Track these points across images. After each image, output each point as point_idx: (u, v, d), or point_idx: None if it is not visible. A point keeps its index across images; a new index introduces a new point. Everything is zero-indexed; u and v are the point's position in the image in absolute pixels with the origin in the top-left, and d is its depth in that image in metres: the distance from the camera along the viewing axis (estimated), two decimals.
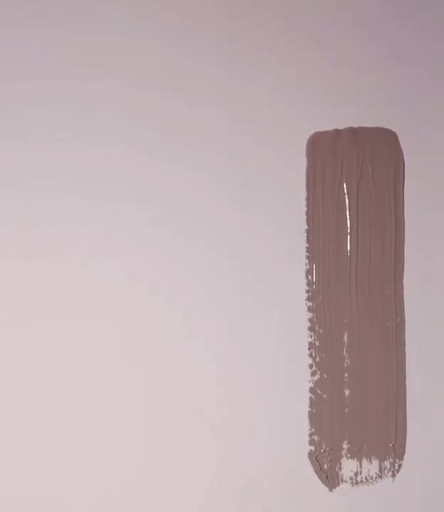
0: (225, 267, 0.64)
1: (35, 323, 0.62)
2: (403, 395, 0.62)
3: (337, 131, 0.65)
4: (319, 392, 0.62)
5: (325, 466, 0.61)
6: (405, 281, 0.63)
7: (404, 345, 0.62)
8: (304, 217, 0.64)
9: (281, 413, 0.62)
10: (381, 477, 0.61)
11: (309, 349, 0.62)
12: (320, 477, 0.61)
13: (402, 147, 0.65)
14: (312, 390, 0.62)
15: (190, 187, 0.64)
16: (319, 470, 0.61)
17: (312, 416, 0.61)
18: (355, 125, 0.65)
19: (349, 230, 0.64)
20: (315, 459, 0.61)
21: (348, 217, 0.64)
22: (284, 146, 0.65)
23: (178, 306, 0.63)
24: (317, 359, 0.62)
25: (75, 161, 0.64)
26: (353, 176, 0.65)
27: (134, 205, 0.64)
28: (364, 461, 0.61)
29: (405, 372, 0.62)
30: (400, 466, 0.61)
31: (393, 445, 0.61)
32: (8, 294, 0.62)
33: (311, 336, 0.62)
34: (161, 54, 0.66)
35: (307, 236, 0.64)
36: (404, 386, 0.62)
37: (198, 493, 0.62)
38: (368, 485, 0.61)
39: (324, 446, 0.61)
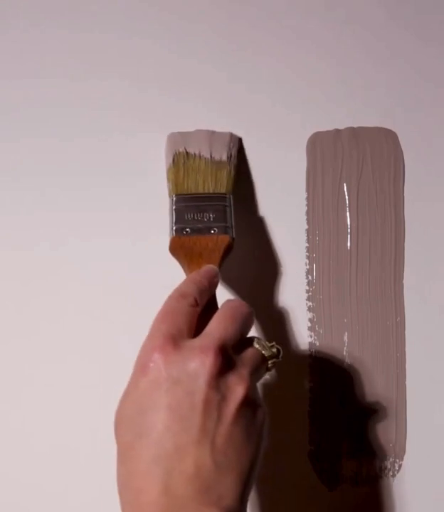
0: (225, 267, 0.63)
1: (34, 322, 0.62)
2: (403, 395, 0.62)
3: (337, 131, 0.65)
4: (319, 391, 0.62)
5: (325, 466, 0.61)
6: (405, 281, 0.63)
7: (404, 345, 0.62)
8: (304, 217, 0.64)
9: (281, 413, 0.62)
10: (381, 477, 0.61)
11: (309, 349, 0.62)
12: (320, 477, 0.61)
13: (402, 147, 0.65)
14: (312, 389, 0.62)
15: None
16: (319, 470, 0.61)
17: (312, 415, 0.61)
18: (355, 125, 0.65)
19: (349, 230, 0.64)
20: (315, 458, 0.61)
21: (348, 217, 0.64)
22: (284, 146, 0.65)
23: None
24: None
25: (75, 160, 0.64)
26: (353, 175, 0.65)
27: (134, 205, 0.64)
28: (364, 461, 0.61)
29: (405, 372, 0.62)
30: (400, 466, 0.61)
31: (393, 445, 0.61)
32: (8, 294, 0.62)
33: (311, 336, 0.62)
34: (161, 54, 0.66)
35: (307, 236, 0.64)
36: (404, 386, 0.62)
37: None
38: (368, 485, 0.61)
39: (324, 446, 0.61)
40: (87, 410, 0.61)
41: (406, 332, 0.62)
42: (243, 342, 0.47)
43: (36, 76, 0.65)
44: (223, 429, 0.41)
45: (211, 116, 0.65)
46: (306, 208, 0.64)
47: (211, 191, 0.59)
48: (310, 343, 0.62)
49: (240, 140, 0.64)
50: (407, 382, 0.62)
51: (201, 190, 0.59)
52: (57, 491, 0.60)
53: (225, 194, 0.59)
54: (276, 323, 0.63)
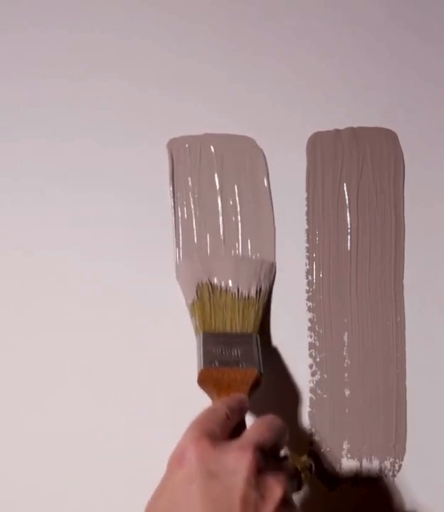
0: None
1: (34, 321, 0.62)
2: (404, 394, 0.61)
3: (337, 131, 0.65)
4: (319, 392, 0.62)
5: (325, 466, 0.61)
6: (405, 282, 0.63)
7: (404, 345, 0.62)
8: (304, 217, 0.64)
9: (281, 413, 0.62)
10: (381, 477, 0.61)
11: (309, 349, 0.62)
12: (320, 477, 0.61)
13: (402, 147, 0.65)
14: (312, 390, 0.62)
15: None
16: (319, 470, 0.61)
17: (311, 416, 0.61)
18: (355, 125, 0.65)
19: (349, 230, 0.64)
20: (315, 458, 0.61)
21: (348, 217, 0.64)
22: (284, 146, 0.65)
23: (178, 306, 0.63)
24: (317, 359, 0.62)
25: (75, 161, 0.64)
26: (353, 176, 0.65)
27: (134, 205, 0.64)
28: (364, 461, 0.61)
29: (405, 372, 0.62)
30: (400, 466, 0.61)
31: (393, 445, 0.61)
32: (7, 294, 0.62)
33: (311, 336, 0.62)
34: (161, 54, 0.66)
35: (307, 236, 0.64)
36: (404, 386, 0.62)
37: None
38: (368, 485, 0.61)
39: (324, 447, 0.61)
40: (86, 411, 0.61)
41: (406, 332, 0.62)
42: (278, 456, 0.46)
43: (36, 76, 0.65)
44: None
45: (211, 116, 0.65)
46: (306, 208, 0.64)
47: (238, 331, 0.58)
48: (310, 343, 0.62)
49: (272, 266, 0.63)
50: (407, 382, 0.62)
51: (228, 330, 0.58)
52: (56, 491, 0.60)
53: (252, 333, 0.58)
54: (276, 323, 0.63)
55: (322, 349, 0.62)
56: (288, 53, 0.66)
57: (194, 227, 0.63)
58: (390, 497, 0.61)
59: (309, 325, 0.62)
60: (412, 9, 0.66)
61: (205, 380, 0.55)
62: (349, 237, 0.64)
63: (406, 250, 0.64)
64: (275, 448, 0.46)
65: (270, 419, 0.48)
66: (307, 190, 0.64)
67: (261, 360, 0.56)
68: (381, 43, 0.66)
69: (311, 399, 0.61)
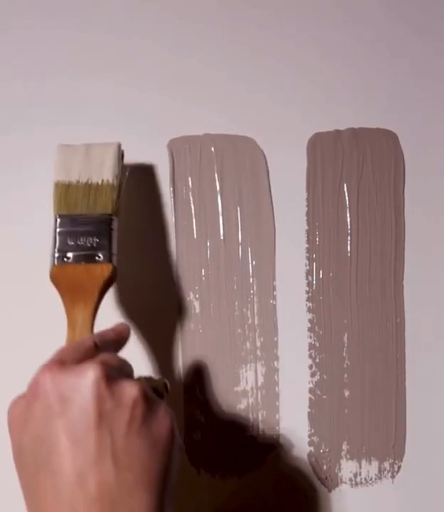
0: (226, 267, 0.63)
1: (34, 322, 0.62)
2: (403, 395, 0.61)
3: (337, 132, 0.65)
4: (318, 392, 0.62)
5: (324, 467, 0.61)
6: (405, 282, 0.63)
7: (404, 345, 0.62)
8: (304, 218, 0.64)
9: (281, 414, 0.62)
10: (380, 478, 0.61)
11: (309, 350, 0.62)
12: (319, 478, 0.61)
13: (402, 148, 0.65)
14: (311, 390, 0.62)
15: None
16: (318, 471, 0.61)
17: (311, 417, 0.61)
18: (355, 125, 0.65)
19: (349, 230, 0.64)
20: (314, 459, 0.61)
21: (348, 217, 0.64)
22: (284, 146, 0.65)
23: (177, 307, 0.63)
24: (317, 360, 0.62)
25: None
26: (353, 176, 0.64)
27: (133, 205, 0.64)
28: (364, 462, 0.61)
29: (405, 373, 0.62)
30: (399, 467, 0.61)
31: (392, 446, 0.61)
32: (7, 294, 0.63)
33: (311, 337, 0.62)
34: (161, 54, 0.66)
35: (307, 236, 0.64)
36: (404, 386, 0.62)
37: (196, 493, 0.62)
38: (367, 486, 0.61)
39: (323, 447, 0.61)
40: None
41: (406, 333, 0.62)
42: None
43: (36, 76, 0.65)
44: (122, 440, 0.38)
45: (211, 116, 0.65)
46: (306, 208, 0.64)
47: (93, 212, 0.55)
48: (310, 344, 0.62)
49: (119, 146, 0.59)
50: (407, 383, 0.62)
51: (83, 211, 0.55)
52: None
53: (109, 216, 0.55)
54: (275, 323, 0.63)
55: (322, 350, 0.62)
56: (288, 53, 0.66)
57: (194, 227, 0.63)
58: (389, 498, 0.61)
59: (309, 326, 0.62)
60: (412, 9, 0.66)
61: (57, 278, 0.53)
62: (349, 237, 0.64)
63: (406, 251, 0.64)
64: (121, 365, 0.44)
65: (113, 332, 0.48)
66: (307, 191, 0.64)
67: (116, 252, 0.55)
68: (381, 43, 0.66)
69: (310, 399, 0.62)
